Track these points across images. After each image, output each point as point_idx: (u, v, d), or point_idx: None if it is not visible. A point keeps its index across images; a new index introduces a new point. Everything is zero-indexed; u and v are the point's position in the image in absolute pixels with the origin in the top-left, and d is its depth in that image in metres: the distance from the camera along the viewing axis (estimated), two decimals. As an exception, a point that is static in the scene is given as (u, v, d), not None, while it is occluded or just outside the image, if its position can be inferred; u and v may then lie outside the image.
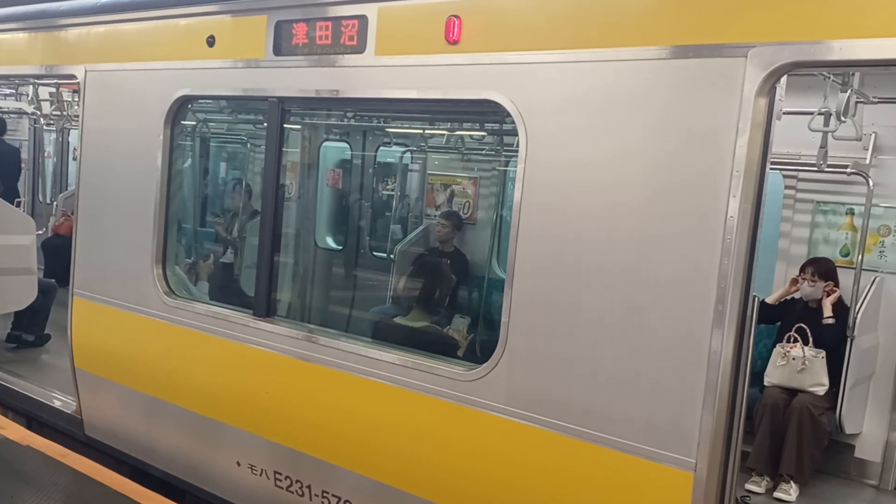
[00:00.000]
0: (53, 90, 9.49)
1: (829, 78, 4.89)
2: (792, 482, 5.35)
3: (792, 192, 6.14)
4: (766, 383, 5.66)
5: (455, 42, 4.17)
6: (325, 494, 4.83)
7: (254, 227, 6.83)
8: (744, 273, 3.34)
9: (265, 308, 5.13)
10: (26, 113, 10.95)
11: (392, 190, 8.99)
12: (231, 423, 5.26)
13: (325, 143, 7.99)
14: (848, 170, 5.48)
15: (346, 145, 8.49)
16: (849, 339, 5.40)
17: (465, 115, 6.99)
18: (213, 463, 5.44)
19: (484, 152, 8.00)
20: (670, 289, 3.48)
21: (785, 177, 6.03)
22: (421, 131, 8.10)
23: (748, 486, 5.42)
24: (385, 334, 5.21)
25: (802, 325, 5.59)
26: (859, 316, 5.39)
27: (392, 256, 7.94)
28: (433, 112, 6.88)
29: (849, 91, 4.89)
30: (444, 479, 4.28)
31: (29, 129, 12.77)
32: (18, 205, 9.69)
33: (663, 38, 3.51)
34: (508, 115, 4.00)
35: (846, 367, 5.39)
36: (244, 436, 5.18)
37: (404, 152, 8.80)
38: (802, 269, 5.80)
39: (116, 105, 6.05)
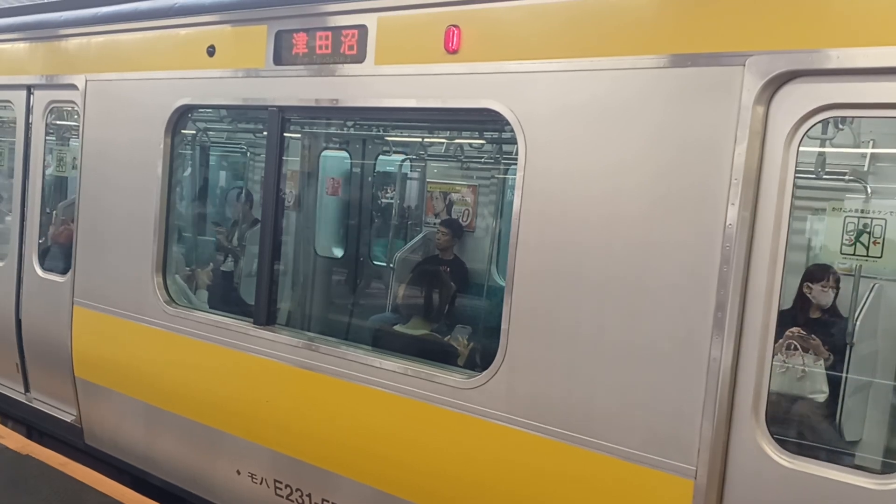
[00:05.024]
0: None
1: None
2: (792, 489, 5.34)
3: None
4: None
5: (454, 51, 4.20)
6: (325, 503, 4.83)
7: (254, 235, 6.84)
8: (743, 280, 3.35)
9: (265, 316, 5.14)
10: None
11: (392, 198, 9.01)
12: (231, 432, 5.26)
13: (325, 152, 8.01)
14: (846, 177, 5.50)
15: (345, 154, 8.52)
16: (848, 346, 5.40)
17: (464, 123, 7.01)
18: (213, 472, 5.43)
19: (483, 160, 8.02)
20: (670, 296, 3.49)
21: None
22: (420, 140, 8.13)
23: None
24: (385, 342, 5.22)
25: (803, 331, 5.58)
26: (858, 323, 5.39)
27: (392, 265, 7.95)
28: (433, 121, 6.90)
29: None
30: (445, 487, 4.28)
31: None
32: None
33: (662, 47, 3.53)
34: (507, 123, 4.02)
35: (845, 374, 5.40)
36: (244, 444, 5.18)
37: (404, 161, 8.82)
38: (820, 278, 5.72)
39: (117, 114, 6.06)
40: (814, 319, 5.66)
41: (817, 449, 4.02)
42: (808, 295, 5.72)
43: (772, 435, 3.35)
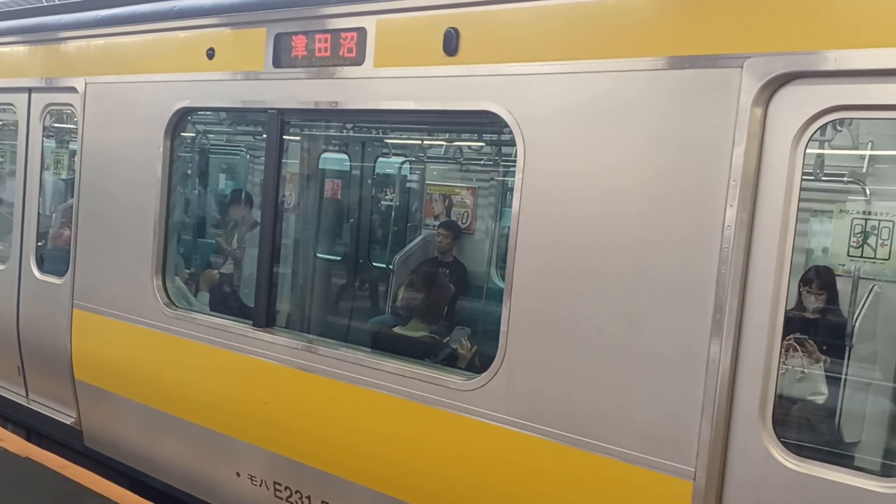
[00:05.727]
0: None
1: None
2: (792, 491, 5.33)
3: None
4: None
5: (453, 53, 4.20)
6: (324, 505, 4.83)
7: (253, 237, 6.84)
8: (741, 282, 3.35)
9: (265, 318, 5.14)
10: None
11: (391, 200, 9.02)
12: (231, 434, 5.26)
13: (325, 155, 8.02)
14: (845, 178, 5.51)
15: (345, 156, 8.53)
16: (847, 348, 5.40)
17: (463, 125, 7.02)
18: (213, 474, 5.43)
19: (482, 162, 8.03)
20: (668, 297, 3.50)
21: None
22: (420, 142, 8.14)
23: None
24: (384, 344, 5.22)
25: (801, 334, 5.58)
26: (857, 324, 5.39)
27: (391, 267, 7.96)
28: (432, 123, 6.92)
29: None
30: (444, 488, 4.28)
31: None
32: None
33: (660, 49, 3.54)
34: (506, 125, 4.03)
35: (845, 376, 5.40)
36: (244, 446, 5.18)
37: (403, 163, 8.83)
38: (807, 282, 5.76)
39: (116, 117, 6.07)
40: (811, 321, 5.68)
41: (824, 451, 4.02)
42: (802, 297, 5.75)
43: (778, 438, 3.34)
